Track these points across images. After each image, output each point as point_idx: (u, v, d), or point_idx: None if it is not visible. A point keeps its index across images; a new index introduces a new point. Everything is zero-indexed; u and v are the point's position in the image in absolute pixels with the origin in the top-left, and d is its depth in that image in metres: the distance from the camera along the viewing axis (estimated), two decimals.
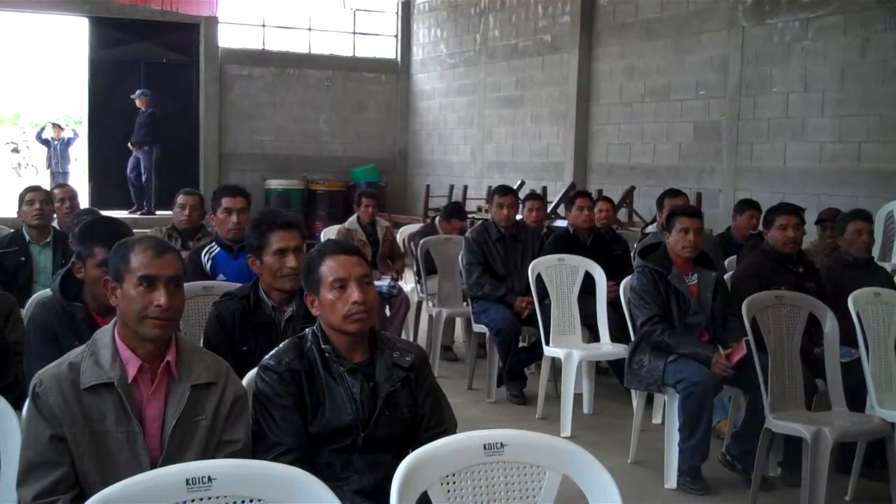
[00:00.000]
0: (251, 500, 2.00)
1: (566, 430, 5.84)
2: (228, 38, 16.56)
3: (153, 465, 2.46)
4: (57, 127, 17.33)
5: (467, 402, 6.66)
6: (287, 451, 2.71)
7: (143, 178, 14.82)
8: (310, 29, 17.22)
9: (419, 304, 8.23)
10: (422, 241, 7.76)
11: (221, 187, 5.47)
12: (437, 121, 16.84)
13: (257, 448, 2.71)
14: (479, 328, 6.79)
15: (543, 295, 6.32)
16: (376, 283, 7.70)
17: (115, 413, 2.50)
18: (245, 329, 3.59)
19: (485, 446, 2.22)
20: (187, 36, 16.24)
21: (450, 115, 16.41)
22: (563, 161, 13.41)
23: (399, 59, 17.70)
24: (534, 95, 14.23)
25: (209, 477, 1.96)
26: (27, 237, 5.88)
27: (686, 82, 11.40)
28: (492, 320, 6.56)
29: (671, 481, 4.94)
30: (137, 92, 14.82)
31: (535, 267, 6.32)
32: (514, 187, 11.61)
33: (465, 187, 14.35)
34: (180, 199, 6.16)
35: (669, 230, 5.15)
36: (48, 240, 5.91)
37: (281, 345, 2.90)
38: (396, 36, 17.73)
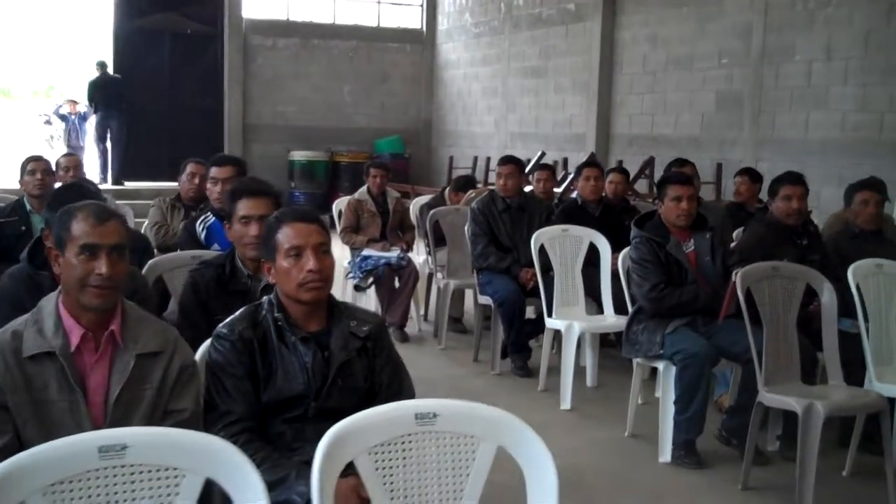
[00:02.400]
0: (167, 469, 1.96)
1: (566, 402, 5.79)
2: (253, 8, 16.54)
3: None
4: (72, 102, 17.39)
5: (472, 374, 6.62)
6: (237, 421, 2.68)
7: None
8: None
9: (430, 275, 8.18)
10: (431, 213, 7.68)
11: (213, 157, 5.42)
12: (461, 91, 16.71)
13: (208, 417, 2.67)
14: (484, 300, 6.72)
15: (549, 267, 6.24)
16: (386, 254, 7.69)
17: (58, 382, 2.47)
18: (220, 297, 3.57)
19: (416, 416, 2.16)
20: (212, 6, 16.24)
21: (474, 85, 16.27)
22: (585, 132, 13.25)
23: (424, 28, 17.57)
24: (557, 65, 14.06)
25: (123, 445, 1.92)
26: (28, 206, 5.87)
27: (709, 51, 11.19)
28: (496, 292, 6.48)
29: (665, 455, 4.88)
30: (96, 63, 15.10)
31: (537, 238, 6.23)
32: (535, 158, 11.54)
33: (488, 159, 14.25)
34: (190, 167, 6.04)
35: (661, 199, 5.04)
36: None
37: (236, 313, 2.85)
38: (422, 5, 17.59)
